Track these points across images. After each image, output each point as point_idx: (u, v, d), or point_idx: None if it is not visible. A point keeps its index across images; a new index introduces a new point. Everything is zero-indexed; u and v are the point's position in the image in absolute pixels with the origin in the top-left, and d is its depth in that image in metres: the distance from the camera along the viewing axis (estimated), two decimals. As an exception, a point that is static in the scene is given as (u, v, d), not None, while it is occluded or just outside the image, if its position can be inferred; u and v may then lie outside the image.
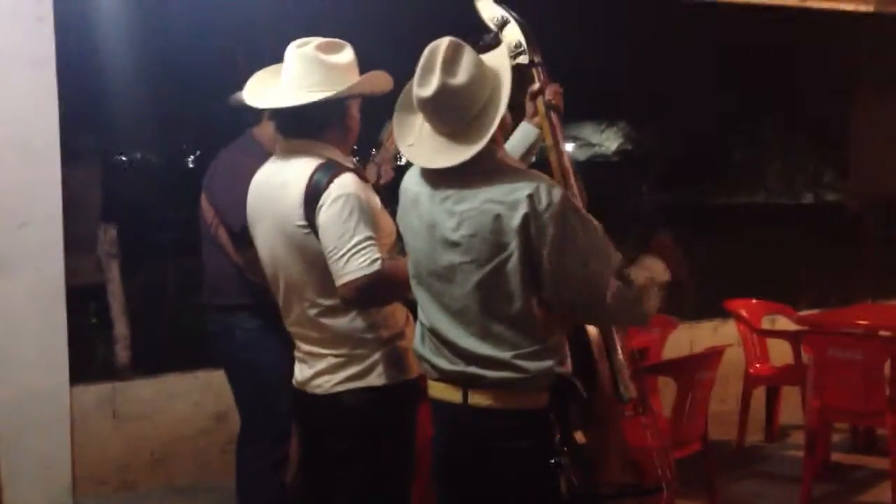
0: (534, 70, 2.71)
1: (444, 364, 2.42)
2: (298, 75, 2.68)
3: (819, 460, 4.65)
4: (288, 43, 2.73)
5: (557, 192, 2.29)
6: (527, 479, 2.38)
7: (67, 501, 4.41)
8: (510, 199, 2.27)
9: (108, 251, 4.94)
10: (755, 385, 5.33)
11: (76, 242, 4.59)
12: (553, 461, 2.34)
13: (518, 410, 2.36)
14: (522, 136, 2.82)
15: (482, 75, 2.34)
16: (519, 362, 2.32)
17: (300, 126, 2.70)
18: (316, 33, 2.75)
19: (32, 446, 4.29)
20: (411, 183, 2.49)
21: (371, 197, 2.67)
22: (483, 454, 2.39)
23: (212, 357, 3.96)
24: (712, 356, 4.06)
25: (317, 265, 2.62)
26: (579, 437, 2.39)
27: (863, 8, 6.80)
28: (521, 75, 2.67)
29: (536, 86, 2.71)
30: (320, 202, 2.57)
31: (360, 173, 2.74)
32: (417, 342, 2.51)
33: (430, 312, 2.44)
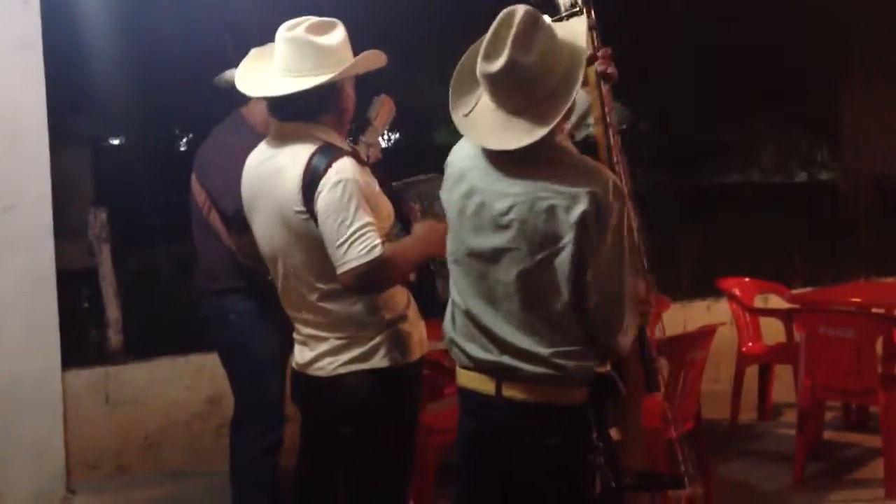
0: (589, 33, 2.47)
1: (476, 351, 2.31)
2: (290, 60, 2.62)
3: (811, 438, 4.66)
4: (277, 23, 2.66)
5: (620, 194, 2.18)
6: (558, 475, 2.27)
7: (60, 487, 4.39)
8: (570, 192, 2.14)
9: (99, 235, 4.91)
10: (748, 363, 5.33)
11: (67, 226, 4.56)
12: (588, 458, 2.21)
13: (554, 406, 2.25)
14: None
15: (556, 52, 2.16)
16: (557, 360, 2.22)
17: (295, 110, 2.65)
18: (307, 12, 2.68)
19: (24, 432, 4.27)
20: (458, 157, 2.35)
21: (369, 180, 2.64)
22: (514, 449, 2.30)
23: (205, 340, 3.95)
24: (705, 335, 4.05)
25: (316, 250, 2.59)
26: (614, 433, 2.27)
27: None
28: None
29: (590, 52, 2.44)
30: (319, 187, 2.53)
31: (356, 156, 2.70)
32: (448, 324, 2.39)
33: (466, 294, 2.32)
